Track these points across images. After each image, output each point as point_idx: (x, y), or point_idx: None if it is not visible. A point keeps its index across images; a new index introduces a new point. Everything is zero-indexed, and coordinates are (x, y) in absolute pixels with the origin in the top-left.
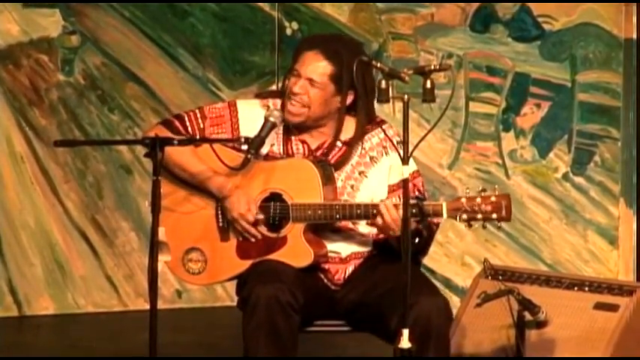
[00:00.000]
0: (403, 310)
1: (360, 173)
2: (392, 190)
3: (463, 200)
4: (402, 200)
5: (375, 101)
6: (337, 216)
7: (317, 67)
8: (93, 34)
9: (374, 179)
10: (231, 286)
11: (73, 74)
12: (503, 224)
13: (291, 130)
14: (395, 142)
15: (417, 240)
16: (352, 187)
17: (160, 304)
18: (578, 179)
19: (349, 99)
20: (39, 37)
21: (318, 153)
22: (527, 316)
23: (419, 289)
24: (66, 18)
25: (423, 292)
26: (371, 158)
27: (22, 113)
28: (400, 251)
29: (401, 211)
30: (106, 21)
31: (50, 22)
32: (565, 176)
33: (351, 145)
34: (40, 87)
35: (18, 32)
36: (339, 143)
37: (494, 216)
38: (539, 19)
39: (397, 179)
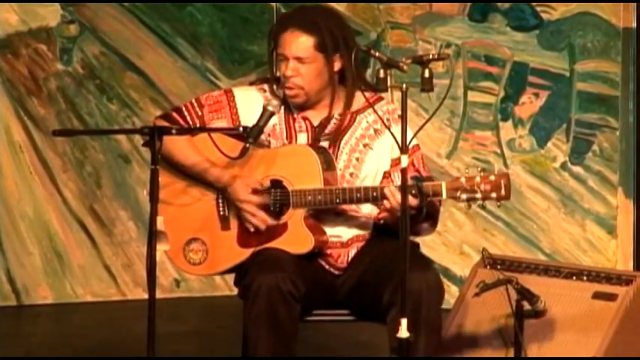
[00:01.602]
0: (400, 295)
1: (364, 145)
2: (395, 163)
3: (462, 180)
4: (401, 185)
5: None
6: (337, 200)
7: (299, 43)
8: (91, 23)
9: (379, 151)
10: (230, 275)
11: (71, 64)
12: (502, 214)
13: (292, 109)
14: (397, 116)
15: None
16: (357, 159)
17: (159, 294)
18: (577, 169)
19: (337, 65)
20: (38, 26)
21: (321, 129)
22: (526, 305)
23: (410, 264)
24: (65, 7)
25: (414, 268)
26: (375, 131)
27: (20, 103)
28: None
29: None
30: (104, 10)
31: (49, 12)
32: (563, 166)
33: (344, 115)
34: (38, 76)
35: (17, 22)
36: (336, 115)
37: (493, 195)
38: (538, 9)
39: (399, 153)
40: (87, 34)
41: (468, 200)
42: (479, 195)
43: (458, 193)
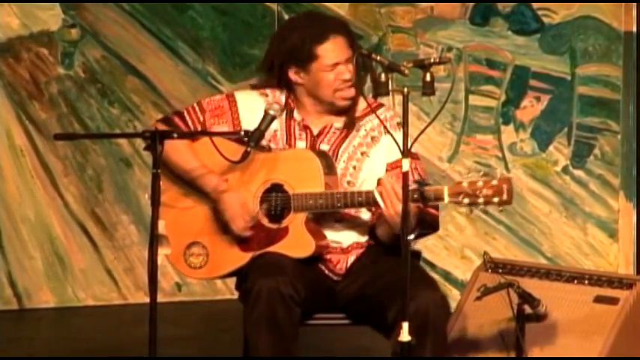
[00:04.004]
0: (402, 303)
1: (362, 154)
2: (391, 168)
3: (465, 184)
4: (401, 190)
5: (372, 95)
6: (338, 204)
7: (345, 47)
8: (93, 27)
9: (375, 158)
10: (231, 278)
11: (73, 67)
12: (504, 218)
13: (294, 115)
14: (395, 123)
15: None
16: (354, 167)
17: (160, 297)
18: (578, 172)
19: None
20: (39, 30)
21: (320, 138)
22: (527, 309)
23: (417, 283)
24: (66, 11)
25: (422, 287)
26: (372, 138)
27: (22, 107)
28: (389, 240)
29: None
30: (106, 14)
31: (50, 16)
32: (565, 169)
33: (343, 128)
34: (40, 80)
35: (18, 26)
36: (338, 125)
37: (495, 200)
38: (539, 13)
39: (395, 157)
40: (88, 38)
41: (470, 204)
42: (481, 199)
43: (460, 198)
